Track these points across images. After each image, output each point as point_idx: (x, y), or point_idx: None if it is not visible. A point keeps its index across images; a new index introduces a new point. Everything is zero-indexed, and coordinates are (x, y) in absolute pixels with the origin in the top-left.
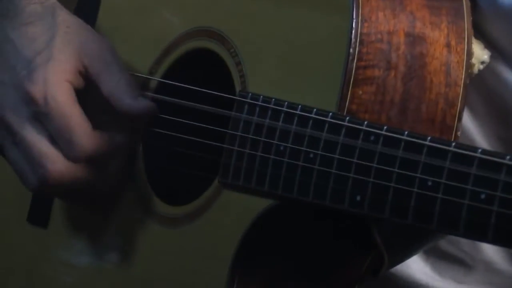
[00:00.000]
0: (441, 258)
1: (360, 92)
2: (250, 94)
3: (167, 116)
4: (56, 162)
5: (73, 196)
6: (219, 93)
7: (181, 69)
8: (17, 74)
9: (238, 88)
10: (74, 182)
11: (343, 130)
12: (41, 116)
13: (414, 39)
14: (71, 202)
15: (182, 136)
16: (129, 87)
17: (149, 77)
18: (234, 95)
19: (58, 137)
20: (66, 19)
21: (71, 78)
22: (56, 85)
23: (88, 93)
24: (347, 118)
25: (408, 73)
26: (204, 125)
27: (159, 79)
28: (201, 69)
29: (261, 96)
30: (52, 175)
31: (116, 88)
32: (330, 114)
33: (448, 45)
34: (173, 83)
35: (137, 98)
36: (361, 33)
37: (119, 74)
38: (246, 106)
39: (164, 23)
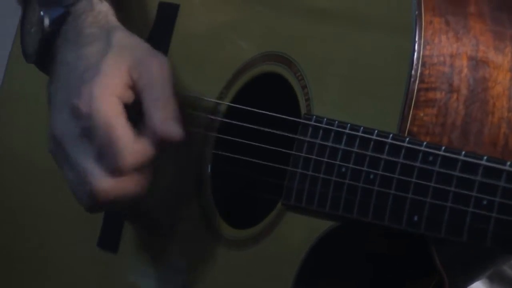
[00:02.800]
0: (505, 283)
1: (422, 114)
2: (314, 117)
3: (234, 139)
4: (100, 178)
5: (128, 210)
6: (284, 116)
7: (250, 93)
8: (69, 91)
9: (303, 110)
10: (124, 195)
11: (403, 151)
12: (87, 131)
13: (477, 63)
14: (130, 219)
15: (248, 159)
16: (164, 109)
17: (218, 101)
18: (300, 118)
19: (103, 150)
20: (121, 38)
21: (118, 92)
22: (101, 98)
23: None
24: (407, 139)
25: (471, 96)
26: (269, 147)
27: (227, 103)
28: (269, 93)
29: (325, 119)
30: (99, 192)
31: (151, 106)
32: (391, 135)
33: (511, 70)
34: (240, 106)
35: (167, 122)
36: (423, 55)
37: (159, 93)
38: (310, 129)
39: (234, 49)
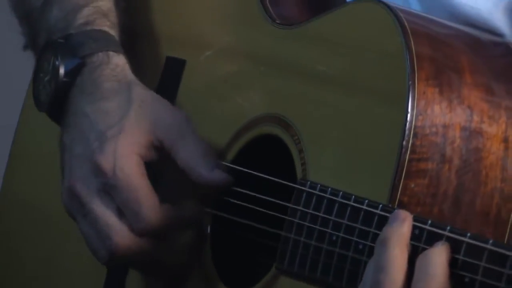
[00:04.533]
0: None
1: (412, 184)
2: (309, 182)
3: (231, 200)
4: (122, 234)
5: (143, 267)
6: (280, 181)
7: (249, 153)
8: (89, 146)
9: (299, 174)
10: (141, 254)
11: None
12: (109, 188)
13: (470, 133)
14: (142, 272)
15: (245, 221)
16: (205, 157)
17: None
18: (295, 182)
19: (125, 209)
20: (141, 93)
21: (141, 151)
22: (125, 157)
23: (161, 165)
24: (393, 211)
25: (463, 166)
26: (265, 211)
27: (226, 164)
28: (267, 154)
29: (319, 185)
30: (119, 247)
31: (192, 159)
32: (380, 206)
33: (505, 140)
34: (239, 168)
35: (214, 169)
36: (415, 126)
37: (194, 145)
38: (304, 195)
39: (235, 108)
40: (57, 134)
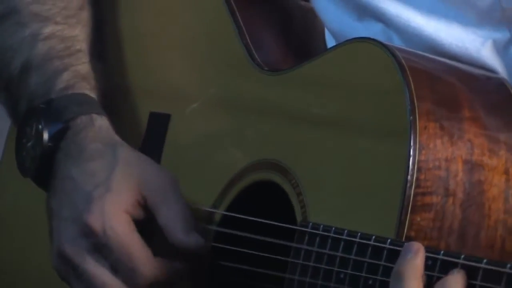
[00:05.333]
0: None
1: (418, 218)
2: (310, 224)
3: (231, 247)
4: None
5: None
6: (281, 224)
7: (245, 201)
8: (77, 208)
9: (299, 217)
10: None
11: None
12: (101, 247)
13: (472, 166)
14: None
15: (246, 267)
16: (183, 221)
17: (213, 210)
18: (296, 224)
19: (119, 267)
20: (126, 154)
21: (129, 209)
22: (114, 215)
23: (150, 221)
24: (405, 244)
25: (467, 199)
26: (267, 255)
27: (223, 212)
28: (264, 200)
29: (322, 225)
30: None
31: (171, 221)
32: (389, 241)
33: (506, 172)
34: (236, 215)
35: (189, 233)
36: (419, 161)
37: (175, 207)
38: (307, 236)
39: (227, 157)
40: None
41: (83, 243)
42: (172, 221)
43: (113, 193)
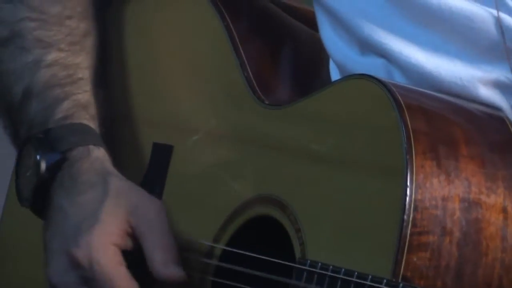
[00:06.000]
0: None
1: (415, 258)
2: (308, 261)
3: (230, 283)
4: None
5: None
6: (279, 261)
7: (245, 236)
8: (66, 240)
9: (298, 254)
10: None
11: None
12: (87, 280)
13: (469, 204)
14: None
15: None
16: (164, 252)
17: (212, 245)
18: (294, 261)
19: None
20: (117, 184)
21: (117, 240)
22: (100, 248)
23: (140, 250)
24: (401, 285)
25: (464, 238)
26: None
27: (223, 247)
28: (263, 235)
29: (319, 263)
30: None
31: (153, 252)
32: (385, 281)
33: (504, 210)
34: (235, 250)
35: (168, 265)
36: (415, 200)
37: (159, 239)
38: (305, 274)
39: (227, 191)
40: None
41: (72, 276)
42: (152, 252)
43: (101, 225)
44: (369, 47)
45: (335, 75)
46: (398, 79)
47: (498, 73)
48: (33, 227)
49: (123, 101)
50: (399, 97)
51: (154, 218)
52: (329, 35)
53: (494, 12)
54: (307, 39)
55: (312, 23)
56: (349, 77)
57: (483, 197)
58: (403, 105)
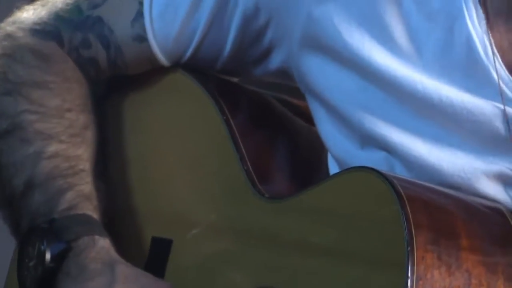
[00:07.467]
0: None
1: None
2: None
3: None
4: None
5: None
6: None
7: None
8: None
9: None
10: None
11: None
12: None
13: None
14: None
15: None
16: None
17: None
18: None
19: None
20: (124, 271)
21: None
22: None
23: None
24: None
25: None
26: None
27: None
28: None
29: None
30: None
31: None
32: None
33: None
34: None
35: None
36: None
37: None
38: None
39: (227, 282)
40: None
41: None
42: None
43: None
44: (370, 141)
45: (333, 168)
46: (400, 172)
47: (501, 165)
48: None
49: (123, 194)
50: (400, 189)
51: None
52: (327, 129)
53: (496, 104)
54: (305, 133)
55: (312, 119)
56: (349, 170)
57: None
58: (404, 197)
